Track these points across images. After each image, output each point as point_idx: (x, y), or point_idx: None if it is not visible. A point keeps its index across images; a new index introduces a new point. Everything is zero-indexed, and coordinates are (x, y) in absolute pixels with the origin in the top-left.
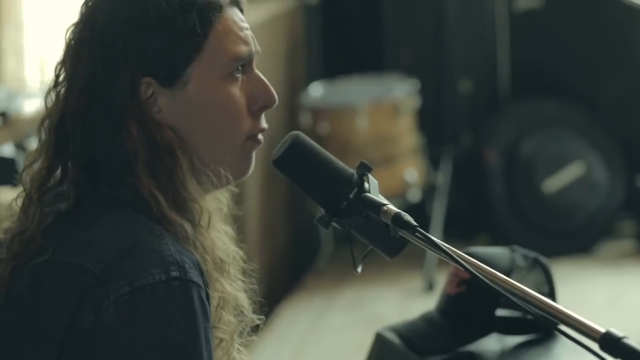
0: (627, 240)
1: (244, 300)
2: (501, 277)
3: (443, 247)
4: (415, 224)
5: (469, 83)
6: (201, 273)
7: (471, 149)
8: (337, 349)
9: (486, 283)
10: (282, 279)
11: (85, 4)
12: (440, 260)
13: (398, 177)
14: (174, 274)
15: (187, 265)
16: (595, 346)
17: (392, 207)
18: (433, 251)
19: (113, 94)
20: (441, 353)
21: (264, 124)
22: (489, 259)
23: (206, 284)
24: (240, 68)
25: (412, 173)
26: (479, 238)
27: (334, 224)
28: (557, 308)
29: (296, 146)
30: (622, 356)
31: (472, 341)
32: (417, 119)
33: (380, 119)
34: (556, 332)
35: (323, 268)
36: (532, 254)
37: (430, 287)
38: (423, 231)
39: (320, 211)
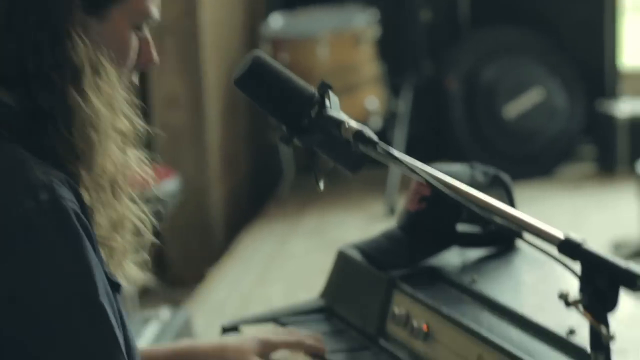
0: (586, 163)
1: (140, 222)
2: (462, 189)
3: (404, 160)
4: (376, 139)
5: (428, 12)
6: (72, 189)
7: (432, 76)
8: (300, 274)
9: (447, 194)
10: (245, 207)
11: None
12: (402, 185)
13: (359, 106)
14: (43, 197)
15: (55, 185)
16: (555, 251)
17: (354, 124)
18: (394, 164)
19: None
20: (402, 267)
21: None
22: (449, 175)
23: (80, 200)
24: (143, 25)
25: (373, 101)
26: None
27: (296, 141)
28: (517, 216)
29: (257, 65)
30: (582, 260)
31: (433, 255)
32: (378, 48)
33: (341, 49)
34: (516, 245)
35: (285, 196)
36: (492, 170)
37: (391, 211)
38: (384, 145)
39: (283, 129)
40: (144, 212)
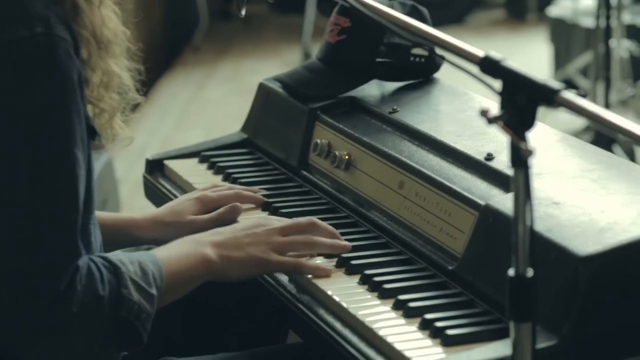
0: (496, 9)
1: (127, 79)
2: (386, 11)
3: None
4: None
5: None
6: (69, 28)
7: None
8: (217, 119)
9: (372, 18)
10: (160, 55)
11: None
12: (316, 32)
13: None
14: (39, 29)
15: (52, 20)
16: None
17: None
18: None
19: None
20: (323, 99)
21: None
22: None
23: (75, 39)
24: None
25: None
26: None
27: None
28: (439, 36)
29: None
30: (502, 77)
31: (354, 87)
32: None
33: None
34: (434, 77)
35: (200, 43)
36: (410, 2)
37: (307, 58)
38: None
39: None
40: (130, 70)
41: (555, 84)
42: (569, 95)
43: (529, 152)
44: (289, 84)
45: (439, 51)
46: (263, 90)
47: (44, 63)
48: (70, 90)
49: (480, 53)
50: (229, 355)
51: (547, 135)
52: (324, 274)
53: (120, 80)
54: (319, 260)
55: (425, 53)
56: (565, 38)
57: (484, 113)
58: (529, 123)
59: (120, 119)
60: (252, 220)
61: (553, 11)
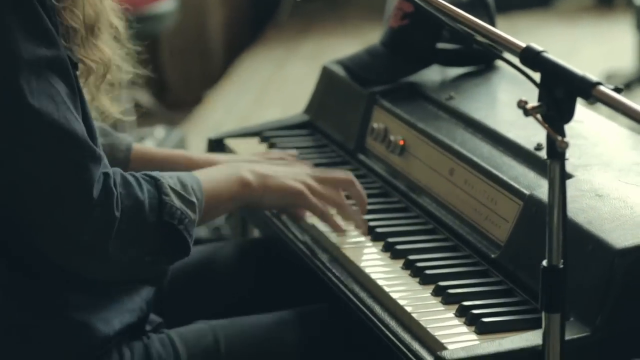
0: None
1: (118, 60)
2: (445, 5)
3: None
4: None
5: None
6: None
7: None
8: (297, 98)
9: (429, 10)
10: (243, 32)
11: None
12: None
13: None
14: None
15: None
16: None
17: None
18: None
19: None
20: (384, 83)
21: None
22: None
23: None
24: None
25: None
26: None
27: None
28: (484, 25)
29: None
30: (541, 69)
31: (414, 72)
32: None
33: None
34: (495, 65)
35: (284, 21)
36: None
37: None
38: None
39: None
40: (127, 48)
41: (593, 78)
42: (606, 89)
43: (565, 144)
44: (350, 67)
45: (483, 41)
46: (326, 73)
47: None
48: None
49: (521, 44)
50: (251, 319)
51: (601, 126)
52: (340, 230)
53: (110, 58)
54: (362, 238)
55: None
56: None
57: (521, 104)
58: (566, 116)
59: (108, 97)
60: (291, 160)
61: None
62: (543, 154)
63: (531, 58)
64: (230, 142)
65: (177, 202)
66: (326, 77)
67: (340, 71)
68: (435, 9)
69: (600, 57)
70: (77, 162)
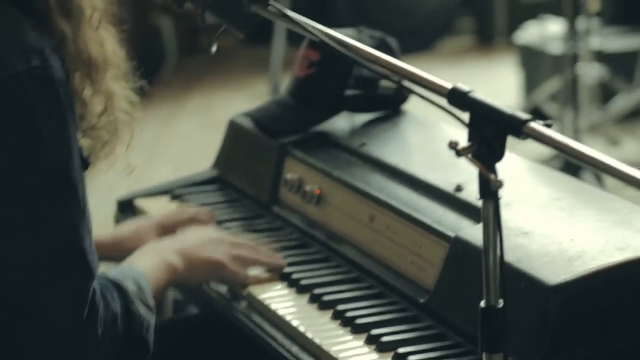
0: (465, 36)
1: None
2: (355, 45)
3: (296, 19)
4: None
5: None
6: (61, 59)
7: None
8: (187, 153)
9: (339, 52)
10: None
11: None
12: (285, 63)
13: None
14: (35, 62)
15: (47, 52)
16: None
17: None
18: (286, 23)
19: None
20: (294, 133)
21: None
22: None
23: (67, 70)
24: None
25: None
26: None
27: (187, 4)
28: (407, 69)
29: None
30: (470, 109)
31: (324, 120)
32: None
33: None
34: (403, 110)
35: (168, 78)
36: (378, 33)
37: (276, 90)
38: (276, 4)
39: None
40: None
41: (522, 115)
42: (536, 125)
43: (499, 184)
44: (258, 119)
45: (407, 84)
46: (233, 127)
47: (40, 97)
48: (70, 121)
49: (448, 85)
50: None
51: (515, 165)
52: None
53: (120, 100)
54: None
55: (393, 84)
56: (534, 64)
57: (452, 145)
58: (498, 154)
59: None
60: (202, 230)
61: (521, 37)
62: (464, 194)
63: (459, 98)
64: (140, 203)
65: (142, 310)
66: (233, 130)
67: (248, 124)
68: (356, 54)
69: (486, 96)
70: (78, 283)
